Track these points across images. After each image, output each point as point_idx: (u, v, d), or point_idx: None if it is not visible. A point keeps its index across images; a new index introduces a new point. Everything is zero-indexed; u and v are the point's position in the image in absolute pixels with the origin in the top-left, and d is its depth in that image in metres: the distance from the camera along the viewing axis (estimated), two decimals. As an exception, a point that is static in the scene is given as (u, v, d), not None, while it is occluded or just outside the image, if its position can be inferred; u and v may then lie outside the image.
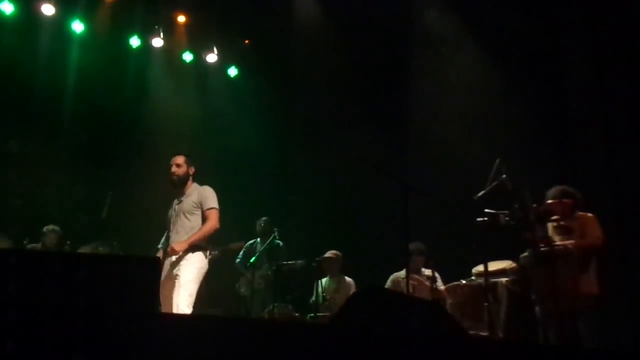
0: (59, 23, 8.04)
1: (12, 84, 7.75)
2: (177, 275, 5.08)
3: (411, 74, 8.50)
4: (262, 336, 2.28)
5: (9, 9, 7.60)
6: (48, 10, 7.79)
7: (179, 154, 5.50)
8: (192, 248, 5.19)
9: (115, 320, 2.06)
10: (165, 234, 5.49)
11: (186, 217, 5.31)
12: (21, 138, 7.47)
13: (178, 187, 5.45)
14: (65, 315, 2.04)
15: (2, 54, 7.66)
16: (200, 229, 5.23)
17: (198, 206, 5.33)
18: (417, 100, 8.33)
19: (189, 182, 5.48)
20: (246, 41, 9.31)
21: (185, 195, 5.41)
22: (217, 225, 5.30)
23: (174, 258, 5.17)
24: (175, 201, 5.46)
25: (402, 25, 8.43)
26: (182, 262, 5.15)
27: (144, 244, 7.67)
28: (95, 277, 2.16)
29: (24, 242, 7.06)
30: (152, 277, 2.30)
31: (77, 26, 8.14)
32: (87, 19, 8.20)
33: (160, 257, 5.29)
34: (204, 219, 5.30)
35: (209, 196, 5.39)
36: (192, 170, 5.50)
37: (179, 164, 5.43)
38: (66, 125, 8.06)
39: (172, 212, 5.43)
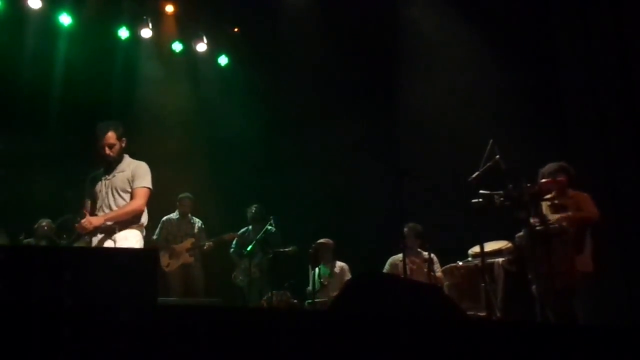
0: (46, 17, 7.96)
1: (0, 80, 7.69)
2: None
3: (399, 58, 8.49)
4: (261, 325, 2.29)
5: (-5, 3, 7.53)
6: (35, 3, 7.71)
7: (107, 130, 4.75)
8: (123, 224, 4.62)
9: (112, 313, 2.07)
10: (83, 213, 4.67)
11: (120, 195, 4.71)
12: (7, 134, 7.41)
13: (110, 164, 4.79)
14: (60, 310, 2.04)
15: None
16: (123, 207, 4.66)
17: (130, 182, 4.76)
18: (407, 83, 8.32)
19: (121, 155, 4.85)
20: (236, 29, 9.26)
21: (117, 170, 4.79)
22: (144, 207, 4.74)
23: (98, 239, 4.60)
24: (105, 175, 4.79)
25: (388, 9, 8.40)
26: (120, 243, 4.56)
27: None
28: (92, 270, 2.16)
29: (20, 237, 7.06)
30: (149, 268, 2.30)
31: (65, 19, 8.07)
32: (74, 12, 8.12)
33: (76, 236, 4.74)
34: (132, 197, 4.71)
35: (142, 174, 4.79)
36: (124, 143, 4.83)
37: (112, 144, 4.75)
38: (55, 120, 8.03)
39: (100, 188, 4.76)
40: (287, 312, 4.17)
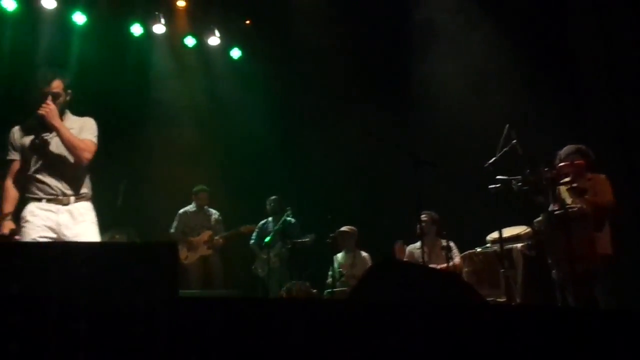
0: (61, 16, 8.01)
1: (17, 80, 7.75)
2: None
3: (415, 45, 8.44)
4: (281, 315, 2.31)
5: (11, 5, 7.57)
6: (49, 3, 7.76)
7: (54, 76, 4.01)
8: (80, 197, 4.00)
9: (133, 307, 2.09)
10: (31, 179, 3.95)
11: (71, 159, 3.98)
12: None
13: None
14: (79, 304, 2.06)
15: (5, 50, 7.65)
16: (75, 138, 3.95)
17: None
18: (423, 70, 8.28)
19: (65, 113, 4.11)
20: (247, 21, 9.25)
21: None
22: (89, 156, 3.99)
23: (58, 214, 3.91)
24: (45, 134, 4.00)
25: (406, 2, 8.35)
26: (84, 229, 3.93)
27: (160, 229, 7.77)
28: (111, 265, 2.18)
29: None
30: (170, 261, 2.32)
31: (79, 18, 8.12)
32: (88, 10, 8.17)
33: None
34: None
35: (90, 127, 4.09)
36: (69, 95, 4.10)
37: (57, 93, 4.00)
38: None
39: (41, 148, 3.97)
40: (305, 302, 4.20)
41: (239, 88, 9.12)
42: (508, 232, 5.66)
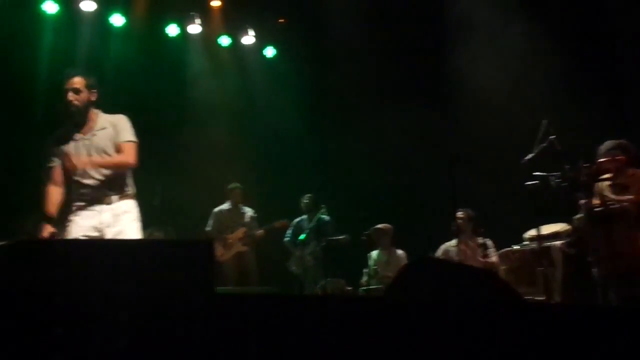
0: (100, 18, 8.17)
1: (56, 84, 7.92)
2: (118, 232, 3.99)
3: (449, 40, 8.35)
4: (316, 312, 2.31)
5: (52, 8, 7.75)
6: (88, 6, 7.92)
7: (75, 74, 4.12)
8: (118, 190, 4.06)
9: (170, 303, 2.12)
10: (50, 185, 4.08)
11: (109, 156, 4.07)
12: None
13: (77, 120, 4.11)
14: (118, 300, 2.10)
15: (46, 52, 7.82)
16: (111, 157, 4.06)
17: (114, 141, 4.12)
18: (458, 66, 8.18)
19: (93, 112, 4.16)
20: (281, 20, 9.29)
21: (97, 129, 4.11)
22: (133, 161, 4.09)
23: (98, 213, 4.00)
24: (79, 136, 4.09)
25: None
26: (125, 227, 3.99)
27: (197, 227, 7.87)
28: (150, 262, 2.21)
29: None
30: (206, 258, 2.35)
31: (117, 20, 8.26)
32: (125, 12, 8.31)
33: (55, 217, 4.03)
34: (119, 152, 4.10)
35: (125, 126, 4.14)
36: (94, 95, 4.15)
37: (78, 89, 4.07)
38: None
39: (75, 150, 4.05)
40: (340, 299, 4.20)
41: (273, 86, 9.17)
42: (546, 229, 5.57)
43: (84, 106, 4.09)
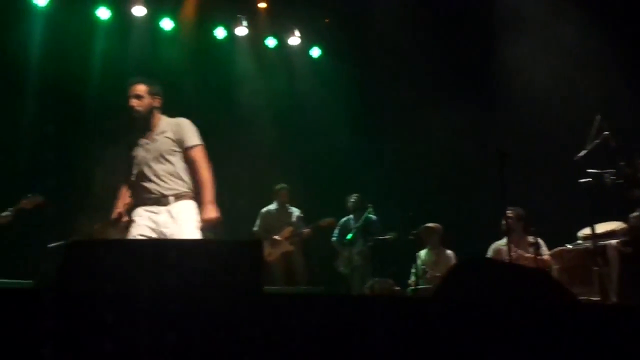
0: (150, 23, 8.36)
1: (110, 84, 8.12)
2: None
3: (497, 38, 8.20)
4: (365, 312, 2.30)
5: (105, 14, 7.98)
6: (139, 11, 8.11)
7: (138, 82, 4.30)
8: (179, 196, 4.16)
9: (220, 302, 2.15)
10: (123, 188, 4.32)
11: (167, 160, 4.18)
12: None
13: (141, 125, 4.28)
14: (170, 299, 2.13)
15: (99, 56, 8.05)
16: (203, 179, 4.17)
17: (177, 144, 4.22)
18: (508, 63, 8.03)
19: (156, 117, 4.30)
20: (327, 20, 9.30)
21: (157, 133, 4.25)
22: (207, 163, 4.24)
23: (158, 214, 4.13)
24: (143, 141, 4.26)
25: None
26: (183, 227, 4.08)
27: (245, 227, 7.93)
28: (200, 262, 2.25)
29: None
30: (255, 258, 2.37)
31: (166, 24, 8.44)
32: (174, 16, 8.48)
33: (123, 218, 4.23)
34: (190, 161, 4.21)
35: (188, 130, 4.27)
36: (157, 101, 4.31)
37: (140, 95, 4.23)
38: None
39: (141, 154, 4.22)
40: (389, 299, 4.17)
41: (320, 86, 9.18)
42: (601, 227, 5.41)
43: (146, 112, 4.25)
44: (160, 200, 4.15)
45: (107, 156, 6.10)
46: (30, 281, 4.81)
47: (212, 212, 4.11)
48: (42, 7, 7.58)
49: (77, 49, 7.75)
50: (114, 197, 4.36)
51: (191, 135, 4.25)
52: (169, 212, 4.13)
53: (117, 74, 8.00)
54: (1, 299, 2.09)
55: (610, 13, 7.15)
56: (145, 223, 4.12)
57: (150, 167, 4.18)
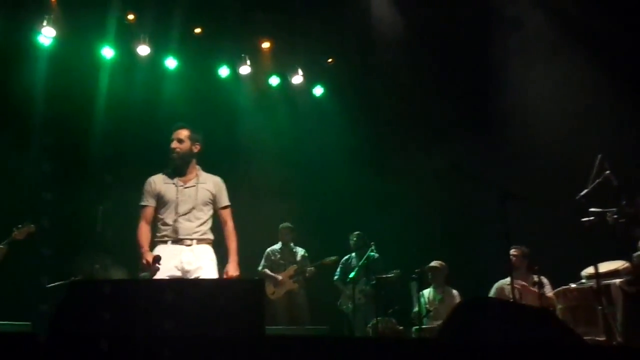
0: (154, 61, 8.44)
1: (116, 122, 8.15)
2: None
3: (498, 78, 8.28)
4: (370, 355, 2.28)
5: (109, 53, 8.08)
6: (144, 50, 8.22)
7: (182, 127, 4.60)
8: (206, 241, 4.50)
9: (221, 341, 2.13)
10: (161, 223, 4.48)
11: (202, 209, 4.50)
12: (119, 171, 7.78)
13: (178, 168, 4.55)
14: (170, 339, 2.11)
15: (103, 94, 8.12)
16: (233, 238, 4.58)
17: (213, 198, 4.57)
18: (510, 101, 8.10)
19: (193, 164, 4.61)
20: (330, 60, 9.41)
21: (196, 181, 4.56)
22: (233, 225, 4.65)
23: (187, 254, 4.40)
24: (178, 183, 4.52)
25: (488, 28, 8.22)
26: (204, 264, 4.41)
27: (248, 266, 7.89)
28: (201, 300, 2.23)
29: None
30: (257, 298, 2.36)
31: (170, 63, 8.54)
32: (178, 55, 8.58)
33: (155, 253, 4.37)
34: (222, 219, 4.61)
35: (225, 190, 4.66)
36: (196, 148, 4.60)
37: (181, 139, 4.53)
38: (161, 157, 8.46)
39: (175, 195, 4.46)
40: (394, 342, 4.12)
41: (322, 125, 9.24)
42: (605, 267, 5.37)
43: (185, 155, 4.53)
44: (185, 241, 4.39)
45: (109, 195, 6.13)
46: (29, 323, 4.78)
47: (237, 270, 4.45)
48: (47, 47, 7.69)
49: (81, 88, 7.84)
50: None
51: (226, 195, 4.65)
52: (191, 251, 4.39)
53: (120, 112, 8.10)
54: None
55: (609, 51, 7.23)
56: (170, 263, 4.30)
57: (185, 209, 4.42)
